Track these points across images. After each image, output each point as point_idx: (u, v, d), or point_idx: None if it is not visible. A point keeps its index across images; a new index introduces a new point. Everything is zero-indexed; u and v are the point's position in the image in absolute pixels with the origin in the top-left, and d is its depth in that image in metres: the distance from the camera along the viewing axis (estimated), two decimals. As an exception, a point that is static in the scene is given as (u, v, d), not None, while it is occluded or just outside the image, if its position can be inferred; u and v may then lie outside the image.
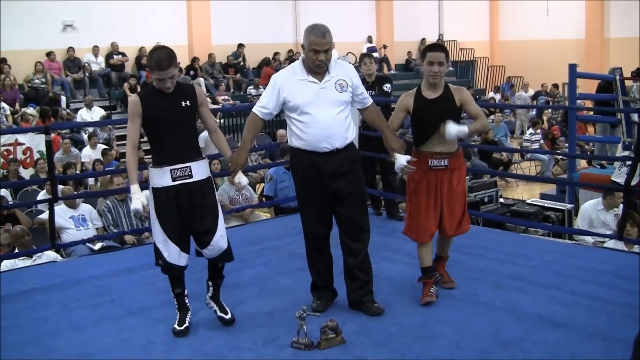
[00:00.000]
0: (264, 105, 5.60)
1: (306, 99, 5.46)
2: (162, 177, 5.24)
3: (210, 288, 5.61)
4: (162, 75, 5.11)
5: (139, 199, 5.22)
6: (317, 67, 5.45)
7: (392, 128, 5.82)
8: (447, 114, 5.63)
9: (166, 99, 5.23)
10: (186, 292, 5.53)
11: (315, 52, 5.38)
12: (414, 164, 5.68)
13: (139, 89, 19.69)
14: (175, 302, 5.52)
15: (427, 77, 5.70)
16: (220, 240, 5.38)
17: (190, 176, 5.26)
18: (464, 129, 5.64)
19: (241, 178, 5.53)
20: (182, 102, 5.27)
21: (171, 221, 5.27)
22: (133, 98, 5.32)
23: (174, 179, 5.22)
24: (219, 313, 5.60)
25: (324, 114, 5.46)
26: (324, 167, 5.51)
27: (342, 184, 5.57)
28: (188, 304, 5.54)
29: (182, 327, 5.42)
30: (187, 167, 5.25)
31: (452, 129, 5.60)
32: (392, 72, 25.74)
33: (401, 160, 5.66)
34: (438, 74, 5.64)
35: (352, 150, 5.68)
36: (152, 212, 5.34)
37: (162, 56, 5.13)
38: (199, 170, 5.31)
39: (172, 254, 5.31)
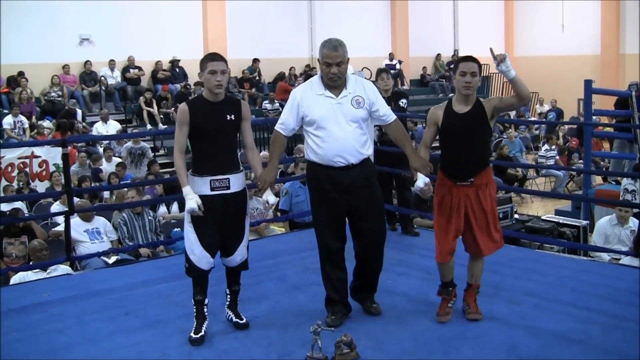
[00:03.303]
0: (284, 121, 5.70)
1: (322, 114, 5.53)
2: (201, 186, 5.41)
3: (228, 296, 5.80)
4: (215, 66, 5.33)
5: (193, 198, 5.35)
6: (331, 81, 5.52)
7: (425, 144, 5.75)
8: (475, 130, 5.54)
9: (212, 110, 5.43)
10: (206, 302, 5.60)
11: (328, 65, 5.48)
12: (439, 179, 5.67)
13: (154, 103, 19.86)
14: (194, 310, 5.59)
15: (459, 89, 5.55)
16: (243, 249, 5.62)
17: (228, 187, 5.44)
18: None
19: (269, 196, 5.64)
20: (227, 116, 5.45)
21: (204, 228, 5.43)
22: (182, 106, 5.48)
23: (212, 189, 5.41)
24: (234, 319, 5.76)
25: (340, 130, 5.52)
26: (340, 181, 5.57)
27: (357, 200, 5.63)
28: (206, 313, 5.61)
29: (198, 336, 5.49)
30: (226, 178, 5.43)
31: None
32: (404, 87, 25.67)
33: (419, 182, 5.69)
34: (471, 84, 5.49)
35: (369, 166, 5.74)
36: (186, 217, 5.50)
37: (215, 53, 5.47)
38: (236, 182, 5.48)
39: (200, 258, 5.45)
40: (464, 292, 5.86)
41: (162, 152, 19.37)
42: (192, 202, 5.33)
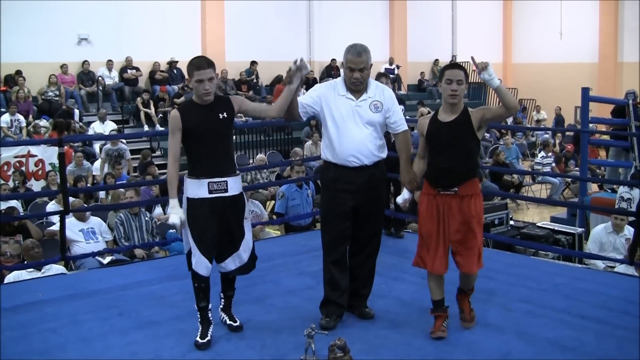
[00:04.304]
0: (302, 98, 5.84)
1: (341, 114, 5.69)
2: (198, 189, 5.35)
3: (222, 300, 5.77)
4: (202, 75, 5.26)
5: (178, 214, 5.33)
6: (353, 85, 5.66)
7: (419, 155, 5.79)
8: (459, 139, 5.42)
9: (205, 112, 5.37)
10: (210, 306, 5.55)
11: (351, 70, 5.61)
12: (424, 187, 5.61)
13: (151, 104, 19.82)
14: (199, 315, 5.53)
15: (445, 98, 5.45)
16: (241, 255, 5.56)
17: (226, 190, 5.39)
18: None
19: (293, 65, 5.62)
20: (220, 115, 5.40)
21: (202, 232, 5.36)
22: (173, 113, 5.43)
23: (210, 192, 5.35)
24: (228, 321, 5.73)
25: (355, 131, 5.67)
26: (352, 180, 5.69)
27: (365, 200, 5.77)
28: (211, 318, 5.56)
29: (205, 340, 5.43)
30: (224, 181, 5.38)
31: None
32: (401, 92, 25.55)
33: (399, 198, 5.94)
34: (457, 92, 5.35)
35: (381, 169, 5.86)
36: (185, 221, 5.44)
37: (201, 58, 5.38)
38: (234, 185, 5.44)
39: (199, 263, 5.38)
40: (457, 296, 5.80)
41: (158, 153, 19.36)
42: (176, 217, 5.31)
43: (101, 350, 5.42)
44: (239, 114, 5.83)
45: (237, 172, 5.54)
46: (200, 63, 5.30)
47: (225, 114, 5.42)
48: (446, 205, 5.46)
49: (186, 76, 21.07)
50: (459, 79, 5.36)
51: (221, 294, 5.78)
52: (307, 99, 5.80)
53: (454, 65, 5.55)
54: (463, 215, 5.44)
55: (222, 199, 5.38)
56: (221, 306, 5.80)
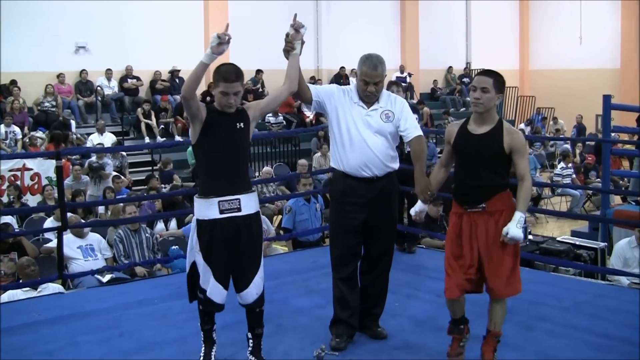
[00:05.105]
0: (319, 87, 5.85)
1: (352, 121, 5.63)
2: (208, 209, 5.00)
3: (250, 341, 5.34)
4: (228, 88, 4.95)
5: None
6: (367, 97, 5.63)
7: (440, 163, 5.60)
8: (488, 154, 5.14)
9: (224, 119, 5.06)
10: (214, 327, 5.29)
11: (365, 83, 5.59)
12: (453, 206, 5.33)
13: (152, 115, 19.66)
14: (202, 335, 5.28)
15: (472, 106, 5.23)
16: (259, 282, 5.17)
17: (239, 209, 5.03)
18: None
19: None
20: (237, 124, 5.10)
21: (216, 257, 5.04)
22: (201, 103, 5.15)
23: (221, 212, 4.99)
24: None
25: (367, 140, 5.59)
26: (363, 194, 5.61)
27: (375, 213, 5.67)
28: (215, 338, 5.31)
29: None
30: (236, 199, 5.02)
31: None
32: (413, 101, 25.37)
33: (412, 210, 5.75)
34: (480, 100, 5.06)
35: (392, 180, 5.77)
36: (194, 245, 5.13)
37: (230, 69, 5.01)
38: (248, 203, 5.08)
39: (214, 290, 5.07)
40: (483, 340, 5.34)
41: (160, 166, 19.12)
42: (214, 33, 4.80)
43: (100, 373, 5.36)
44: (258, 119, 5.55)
45: (253, 188, 5.21)
46: (229, 74, 4.95)
47: (242, 124, 5.13)
48: (473, 223, 5.15)
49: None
50: (483, 87, 5.08)
51: (248, 333, 5.34)
52: (323, 88, 5.81)
53: (483, 72, 5.27)
54: (491, 233, 5.10)
55: (234, 220, 5.01)
56: (250, 349, 5.34)
